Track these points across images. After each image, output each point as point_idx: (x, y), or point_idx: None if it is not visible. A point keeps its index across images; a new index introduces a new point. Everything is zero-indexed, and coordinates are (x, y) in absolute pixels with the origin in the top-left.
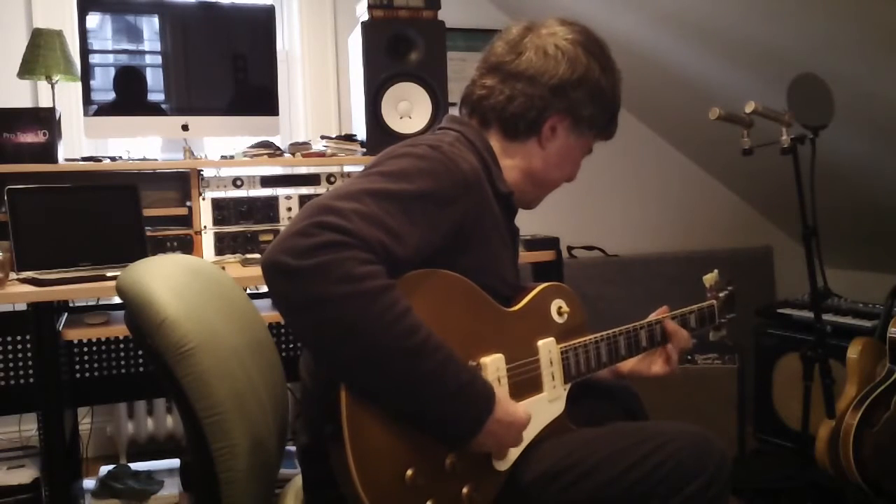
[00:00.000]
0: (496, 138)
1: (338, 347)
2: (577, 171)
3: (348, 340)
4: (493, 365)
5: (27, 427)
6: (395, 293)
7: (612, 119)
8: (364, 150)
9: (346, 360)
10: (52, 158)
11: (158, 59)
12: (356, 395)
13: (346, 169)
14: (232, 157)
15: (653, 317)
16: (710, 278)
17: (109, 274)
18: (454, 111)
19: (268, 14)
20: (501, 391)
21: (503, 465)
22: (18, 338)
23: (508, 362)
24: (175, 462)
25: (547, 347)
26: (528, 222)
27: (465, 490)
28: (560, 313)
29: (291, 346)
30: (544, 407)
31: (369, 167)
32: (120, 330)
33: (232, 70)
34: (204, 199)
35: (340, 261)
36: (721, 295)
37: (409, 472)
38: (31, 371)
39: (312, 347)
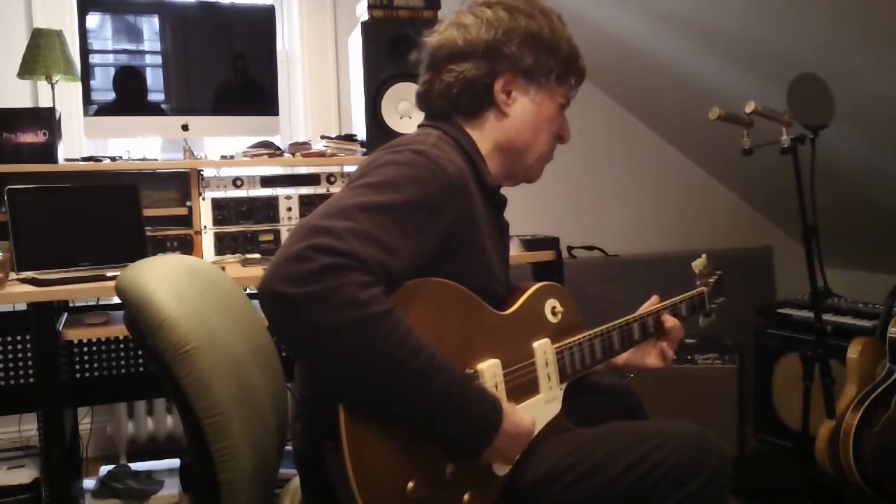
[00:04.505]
0: (464, 125)
1: (343, 372)
2: (565, 128)
3: (353, 366)
4: (490, 371)
5: (27, 427)
6: (397, 314)
7: (569, 59)
8: (364, 150)
9: (352, 384)
10: (52, 158)
11: (158, 59)
12: (355, 411)
13: (346, 169)
14: (232, 157)
15: (644, 308)
16: (698, 264)
17: (109, 274)
18: None
19: (268, 14)
20: (507, 403)
21: (503, 470)
22: (18, 338)
23: (505, 367)
24: (175, 462)
25: (542, 349)
26: (528, 222)
27: (466, 497)
28: (554, 313)
29: None
30: (541, 408)
31: (355, 177)
32: (120, 330)
33: (232, 70)
34: (204, 199)
35: (341, 286)
36: (710, 280)
37: (411, 483)
38: (31, 371)
39: (315, 372)
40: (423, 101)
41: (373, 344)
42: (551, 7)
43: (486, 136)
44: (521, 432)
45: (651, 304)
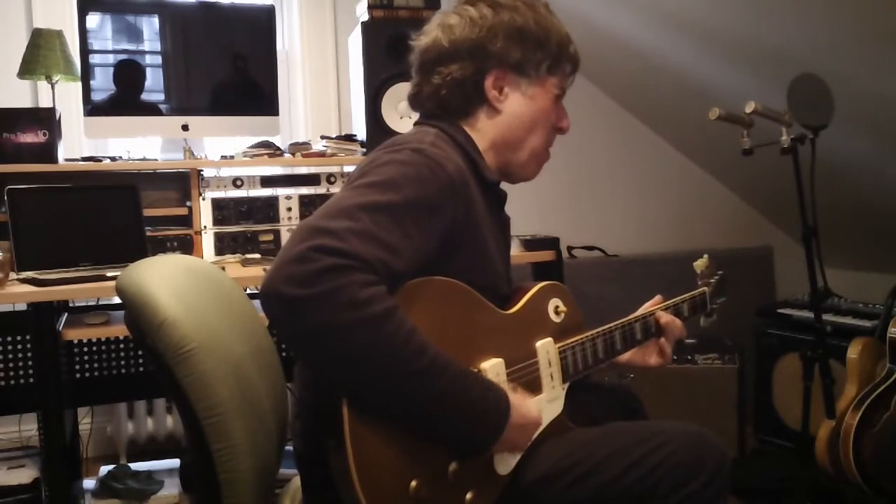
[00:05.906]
0: (459, 123)
1: (347, 373)
2: (563, 118)
3: (358, 366)
4: (493, 370)
5: (27, 427)
6: (400, 314)
7: (559, 47)
8: (364, 150)
9: (356, 385)
10: (52, 158)
11: (158, 59)
12: (358, 410)
13: (346, 169)
14: (232, 157)
15: (646, 307)
16: (700, 264)
17: (109, 274)
18: None
19: (268, 14)
20: (513, 395)
21: (505, 469)
22: (18, 338)
23: (508, 366)
24: (175, 462)
25: (545, 348)
26: (528, 222)
27: (468, 496)
28: (557, 312)
29: None
30: (543, 408)
31: (354, 177)
32: (120, 330)
33: (232, 70)
34: (204, 199)
35: (344, 286)
36: (712, 281)
37: (413, 483)
38: (31, 371)
39: (320, 373)
40: (414, 102)
41: (376, 344)
42: None
43: (480, 134)
44: (529, 422)
45: (654, 303)
